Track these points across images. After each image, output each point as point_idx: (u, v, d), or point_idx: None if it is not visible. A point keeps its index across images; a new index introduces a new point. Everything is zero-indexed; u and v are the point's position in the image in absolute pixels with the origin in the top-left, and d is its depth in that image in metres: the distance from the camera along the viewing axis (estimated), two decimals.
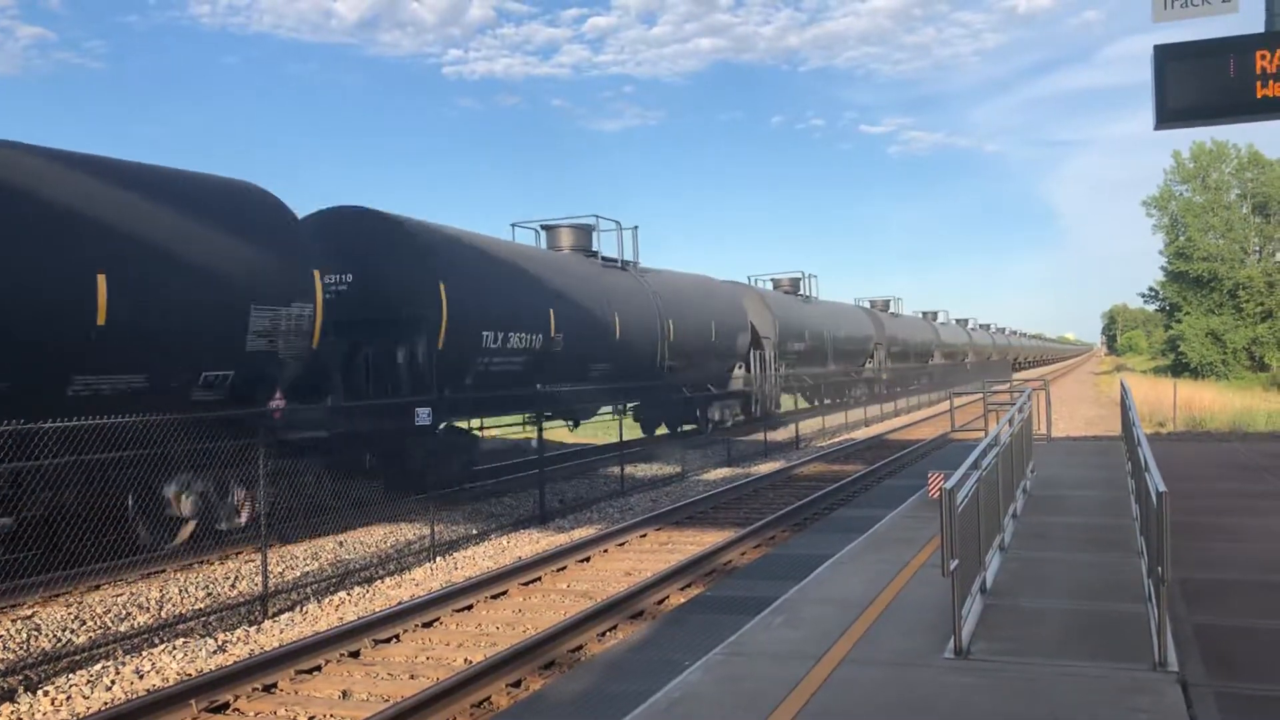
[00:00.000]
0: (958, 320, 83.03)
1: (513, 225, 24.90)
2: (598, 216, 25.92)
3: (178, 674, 9.38)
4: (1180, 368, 63.87)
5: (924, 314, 70.62)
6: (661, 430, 30.56)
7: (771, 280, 41.00)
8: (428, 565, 14.07)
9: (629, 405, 26.62)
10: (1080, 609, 8.05)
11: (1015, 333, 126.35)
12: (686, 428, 30.16)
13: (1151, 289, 74.00)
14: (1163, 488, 6.40)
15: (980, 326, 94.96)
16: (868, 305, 53.89)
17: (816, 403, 40.55)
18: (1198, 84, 8.01)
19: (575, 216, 25.65)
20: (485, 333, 18.77)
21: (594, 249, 25.77)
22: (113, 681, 9.15)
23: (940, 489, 6.77)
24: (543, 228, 25.50)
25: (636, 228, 27.11)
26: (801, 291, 41.82)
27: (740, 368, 32.42)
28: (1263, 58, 8.11)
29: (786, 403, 38.12)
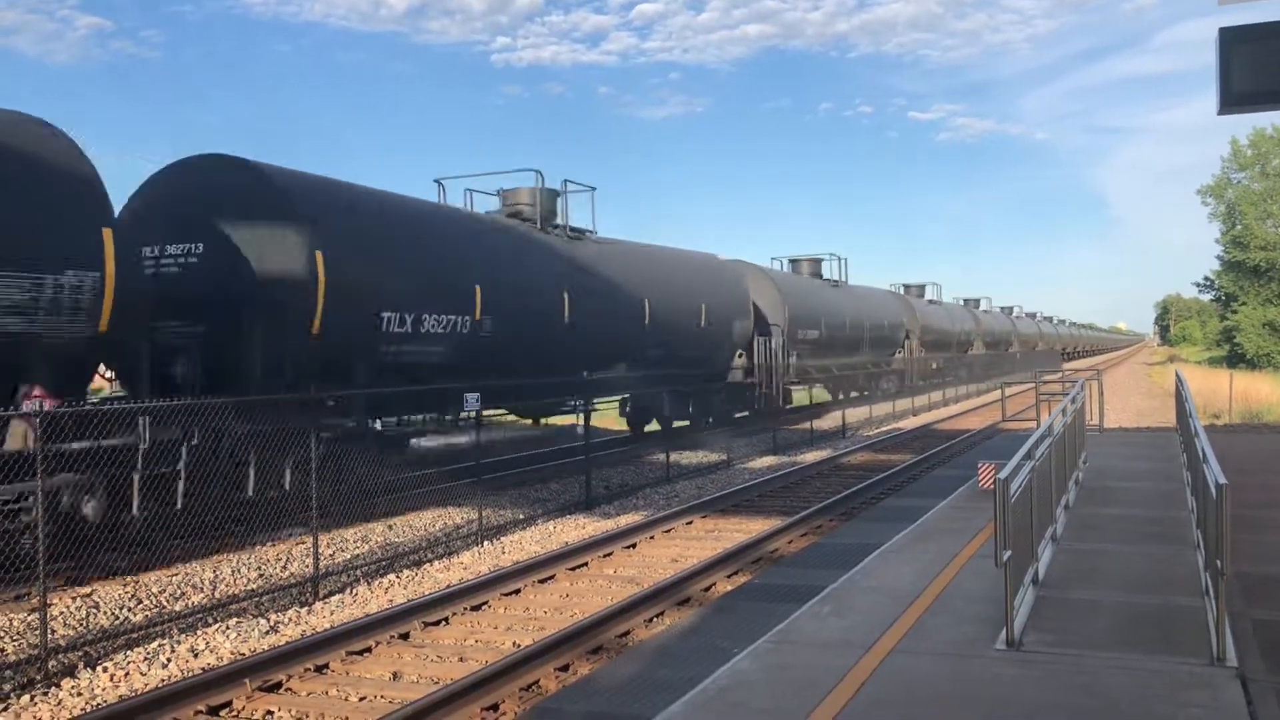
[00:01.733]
0: (1002, 308, 79.85)
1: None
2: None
3: (231, 653, 9.54)
4: (1236, 359, 62.66)
5: (964, 301, 68.01)
6: (653, 427, 27.90)
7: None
8: (475, 549, 14.18)
9: (602, 400, 24.21)
10: (1134, 602, 7.95)
11: (1065, 322, 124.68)
12: (679, 423, 27.29)
13: (1206, 278, 72.77)
14: (1223, 480, 6.30)
15: (1027, 315, 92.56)
16: (900, 290, 51.08)
17: (841, 395, 37.73)
18: (1265, 66, 7.81)
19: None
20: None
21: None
22: (169, 659, 9.32)
23: (994, 479, 6.71)
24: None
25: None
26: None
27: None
28: None
29: (800, 396, 36.07)
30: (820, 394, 37.93)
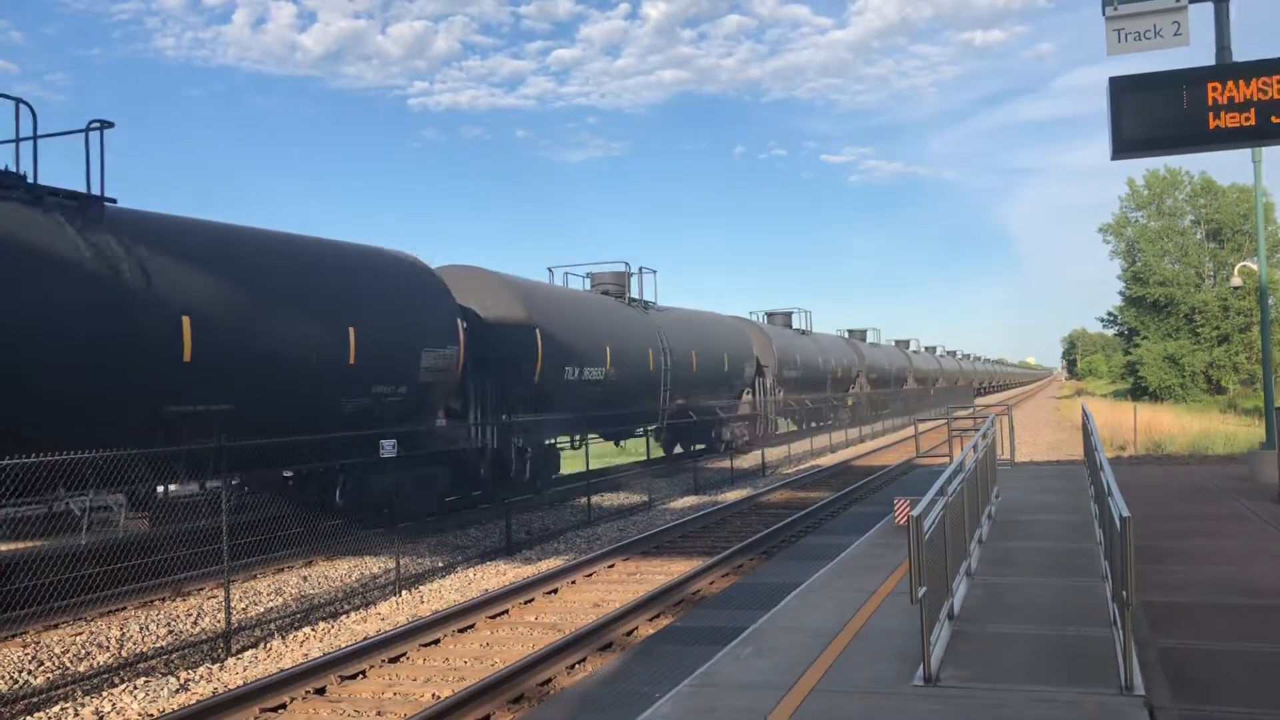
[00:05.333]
0: (927, 348, 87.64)
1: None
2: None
3: (139, 714, 9.22)
4: (1139, 391, 64.59)
5: (896, 343, 74.62)
6: (678, 449, 34.19)
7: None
8: (393, 599, 13.93)
9: (651, 428, 30.56)
10: (1047, 634, 8.11)
11: (978, 358, 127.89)
12: (698, 447, 33.44)
13: (1110, 313, 74.88)
14: (1126, 513, 6.48)
15: (947, 353, 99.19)
16: (846, 335, 59.66)
17: (806, 425, 44.42)
18: (1152, 115, 8.18)
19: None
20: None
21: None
22: None
23: (907, 516, 6.81)
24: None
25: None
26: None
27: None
28: (1214, 89, 8.31)
29: (782, 425, 42.84)
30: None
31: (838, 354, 50.93)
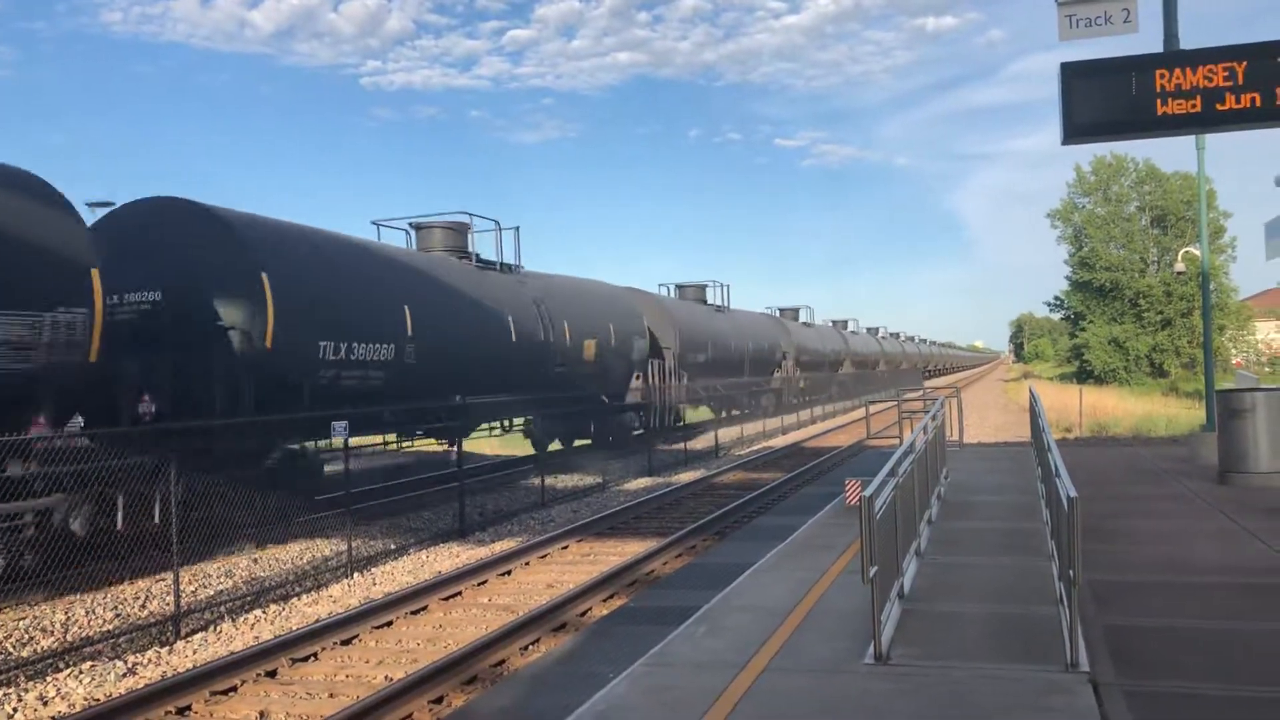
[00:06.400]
0: (868, 329, 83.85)
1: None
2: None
3: (85, 699, 9.08)
4: (1085, 374, 65.60)
5: (834, 322, 70.59)
6: (555, 446, 28.00)
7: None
8: (345, 581, 13.84)
9: (515, 421, 25.39)
10: (995, 612, 8.23)
11: (926, 341, 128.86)
12: (579, 443, 29.24)
13: (1057, 298, 75.79)
14: (1073, 493, 6.59)
15: (891, 335, 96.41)
16: (776, 314, 54.84)
17: (724, 413, 39.58)
18: (1102, 101, 8.30)
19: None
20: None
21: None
22: (15, 709, 8.83)
23: (859, 496, 6.87)
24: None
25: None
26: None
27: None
28: (1162, 76, 8.44)
29: (690, 415, 37.23)
30: (704, 412, 38.73)
31: (759, 334, 45.51)
